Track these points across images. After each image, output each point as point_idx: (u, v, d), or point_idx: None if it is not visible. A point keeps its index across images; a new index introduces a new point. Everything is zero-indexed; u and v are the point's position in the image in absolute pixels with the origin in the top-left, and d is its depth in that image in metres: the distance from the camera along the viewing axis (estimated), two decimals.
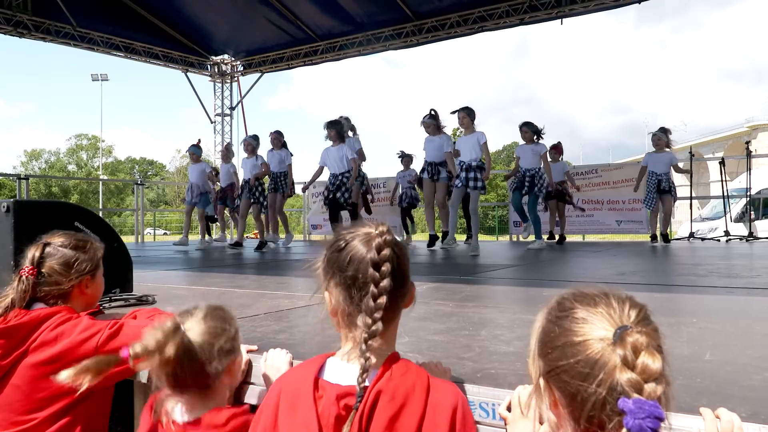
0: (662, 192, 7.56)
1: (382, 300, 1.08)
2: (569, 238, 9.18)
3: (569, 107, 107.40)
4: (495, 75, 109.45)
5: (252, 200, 8.18)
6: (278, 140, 8.32)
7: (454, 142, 7.66)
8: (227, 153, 9.19)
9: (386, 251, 1.10)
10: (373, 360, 1.07)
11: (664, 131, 7.67)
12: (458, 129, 6.97)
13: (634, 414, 0.77)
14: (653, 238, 7.93)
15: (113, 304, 2.55)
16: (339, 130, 7.44)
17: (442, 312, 2.49)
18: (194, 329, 1.34)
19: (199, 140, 9.06)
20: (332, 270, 1.14)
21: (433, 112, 7.33)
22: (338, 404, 1.07)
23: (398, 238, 1.19)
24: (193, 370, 1.30)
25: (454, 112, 6.75)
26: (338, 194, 7.34)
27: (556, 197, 8.42)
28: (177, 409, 1.36)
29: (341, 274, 1.12)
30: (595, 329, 0.85)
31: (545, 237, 8.35)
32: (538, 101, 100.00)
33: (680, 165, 8.06)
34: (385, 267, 1.09)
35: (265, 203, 8.25)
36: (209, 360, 1.32)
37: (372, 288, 1.09)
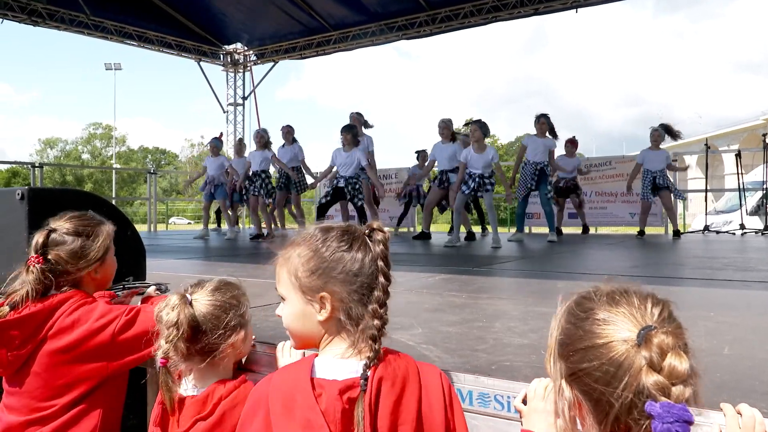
0: (659, 189, 7.44)
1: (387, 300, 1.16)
2: (578, 231, 9.12)
3: (582, 99, 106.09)
4: (507, 66, 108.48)
5: (255, 193, 8.15)
6: (290, 135, 8.29)
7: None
8: (240, 148, 9.18)
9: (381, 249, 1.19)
10: (357, 369, 1.10)
11: (665, 128, 7.52)
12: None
13: (662, 418, 0.75)
14: (640, 233, 7.82)
15: (126, 292, 2.55)
16: (354, 134, 7.38)
17: (456, 303, 2.48)
18: (201, 301, 1.40)
19: (221, 134, 9.10)
20: (342, 272, 1.15)
21: (448, 120, 7.34)
22: (342, 398, 1.08)
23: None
24: (196, 341, 1.37)
25: (467, 124, 6.76)
26: (349, 197, 7.26)
27: (567, 193, 8.39)
28: (186, 382, 1.43)
29: (349, 280, 1.15)
30: (618, 330, 0.82)
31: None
32: (551, 93, 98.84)
33: (675, 164, 7.87)
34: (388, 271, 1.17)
35: (269, 198, 8.21)
36: (213, 332, 1.38)
37: (379, 294, 1.14)
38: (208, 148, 9.18)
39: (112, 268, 1.80)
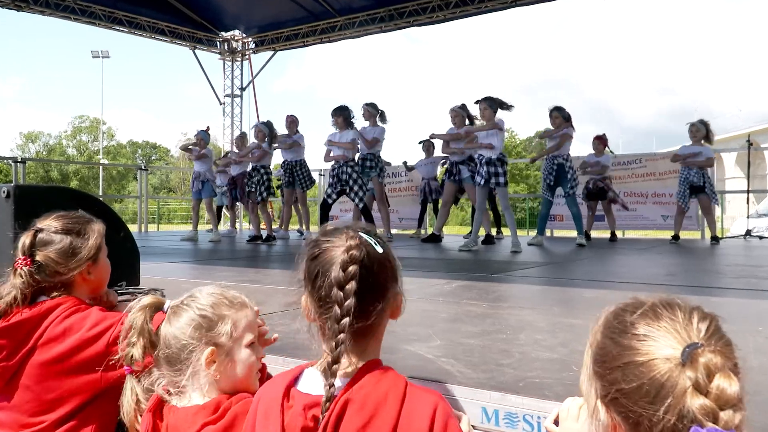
0: (696, 190, 7.39)
1: (345, 321, 1.10)
2: (604, 234, 9.09)
3: (608, 89, 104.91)
4: (527, 54, 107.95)
5: (253, 189, 8.14)
6: (294, 125, 8.30)
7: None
8: (242, 142, 9.18)
9: (352, 268, 1.13)
10: (338, 384, 1.10)
11: (704, 123, 7.48)
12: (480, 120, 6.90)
13: None
14: (674, 237, 7.78)
15: (120, 298, 2.56)
16: (346, 116, 7.36)
17: (475, 313, 2.48)
18: (172, 318, 1.38)
19: (209, 127, 9.05)
20: (307, 278, 1.18)
21: (463, 104, 7.32)
22: (305, 415, 1.10)
23: (376, 245, 1.19)
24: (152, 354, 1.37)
25: (477, 102, 6.64)
26: (350, 193, 7.23)
27: (597, 196, 8.35)
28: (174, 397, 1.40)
29: (312, 285, 1.17)
30: (660, 347, 0.81)
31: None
32: (574, 83, 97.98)
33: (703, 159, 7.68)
34: (350, 286, 1.12)
35: (266, 196, 8.25)
36: (177, 354, 1.35)
37: (336, 309, 1.11)
38: (196, 140, 9.04)
39: (106, 270, 1.80)
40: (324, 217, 7.41)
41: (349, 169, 7.23)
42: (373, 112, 7.80)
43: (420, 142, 9.66)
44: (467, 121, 7.40)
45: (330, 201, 7.33)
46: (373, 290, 1.16)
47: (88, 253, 1.69)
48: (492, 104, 6.43)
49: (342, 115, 7.33)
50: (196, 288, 1.45)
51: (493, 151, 6.35)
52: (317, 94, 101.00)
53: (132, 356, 1.36)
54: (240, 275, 3.99)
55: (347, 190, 7.27)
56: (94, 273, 1.73)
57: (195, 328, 1.35)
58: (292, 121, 8.32)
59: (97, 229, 1.75)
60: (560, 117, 7.14)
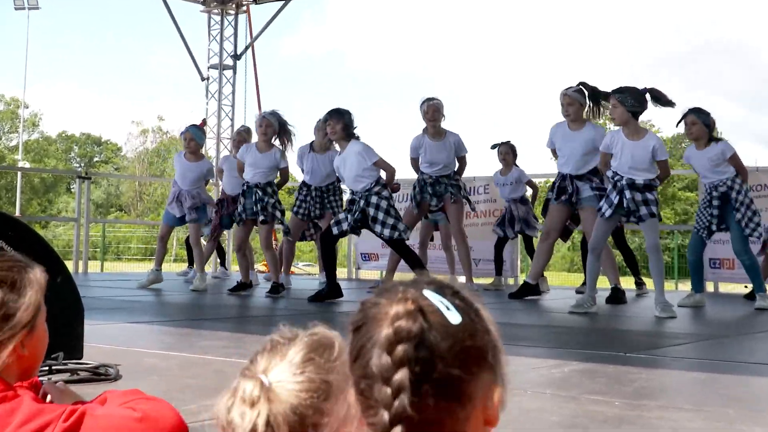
0: None
1: None
2: None
3: None
4: (672, 6, 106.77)
5: (244, 216, 8.18)
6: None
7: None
8: (243, 141, 9.29)
9: (401, 349, 1.07)
10: None
11: None
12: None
13: None
14: None
15: (54, 377, 2.62)
16: (347, 123, 7.31)
17: (605, 415, 2.48)
18: (285, 385, 1.34)
19: (204, 120, 9.11)
20: (350, 361, 1.16)
21: (581, 87, 7.30)
22: None
23: (449, 309, 1.16)
24: None
25: (610, 94, 6.59)
26: (377, 227, 7.07)
27: None
28: None
29: (353, 373, 1.13)
30: None
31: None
32: (744, 48, 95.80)
33: None
34: (399, 377, 1.06)
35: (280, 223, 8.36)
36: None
37: (382, 414, 1.07)
38: (182, 141, 9.11)
39: (44, 342, 1.83)
40: (327, 255, 7.49)
41: (366, 194, 7.19)
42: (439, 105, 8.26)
43: (493, 147, 9.65)
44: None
45: (336, 231, 7.20)
46: (442, 385, 1.08)
47: (25, 317, 1.72)
48: (627, 99, 6.35)
49: (342, 121, 7.33)
50: (271, 353, 1.42)
51: (650, 172, 6.36)
52: (346, 63, 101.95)
53: None
54: (234, 345, 4.03)
55: (376, 227, 7.08)
56: (29, 347, 1.76)
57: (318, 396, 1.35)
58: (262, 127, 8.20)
59: (36, 279, 1.78)
60: (699, 124, 7.17)
